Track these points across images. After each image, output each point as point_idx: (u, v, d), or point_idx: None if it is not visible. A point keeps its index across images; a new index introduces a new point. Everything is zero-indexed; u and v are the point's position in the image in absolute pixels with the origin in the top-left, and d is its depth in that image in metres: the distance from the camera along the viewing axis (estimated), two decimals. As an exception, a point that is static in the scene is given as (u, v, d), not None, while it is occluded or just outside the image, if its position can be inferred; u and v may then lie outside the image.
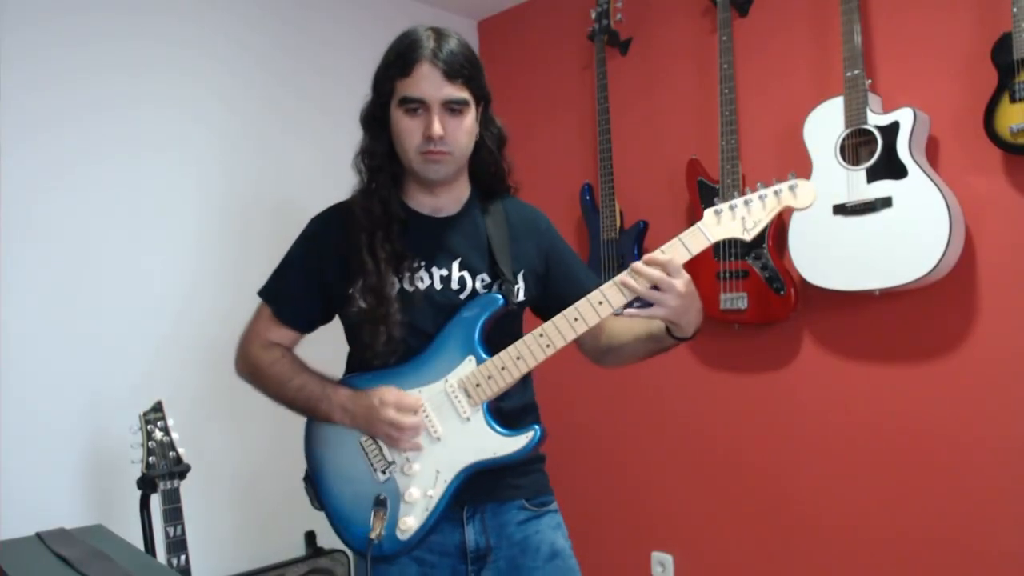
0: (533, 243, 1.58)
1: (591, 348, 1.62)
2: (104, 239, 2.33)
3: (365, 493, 1.46)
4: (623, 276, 1.37)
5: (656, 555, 2.84)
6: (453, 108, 1.42)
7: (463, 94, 1.42)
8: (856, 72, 2.16)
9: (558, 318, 1.41)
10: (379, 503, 1.43)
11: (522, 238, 1.57)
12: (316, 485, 1.52)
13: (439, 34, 1.44)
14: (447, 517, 1.46)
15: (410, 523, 1.43)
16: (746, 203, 1.36)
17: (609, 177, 2.78)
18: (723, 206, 1.36)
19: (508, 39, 3.34)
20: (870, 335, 2.35)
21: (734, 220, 1.36)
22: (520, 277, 1.54)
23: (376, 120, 1.48)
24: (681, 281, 1.35)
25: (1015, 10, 1.94)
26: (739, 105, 2.49)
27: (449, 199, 1.54)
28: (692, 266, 2.62)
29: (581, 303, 1.40)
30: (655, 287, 1.35)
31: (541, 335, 1.41)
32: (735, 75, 2.46)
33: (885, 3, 2.31)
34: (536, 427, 1.43)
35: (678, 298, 1.35)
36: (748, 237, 1.36)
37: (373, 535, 1.40)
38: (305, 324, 1.58)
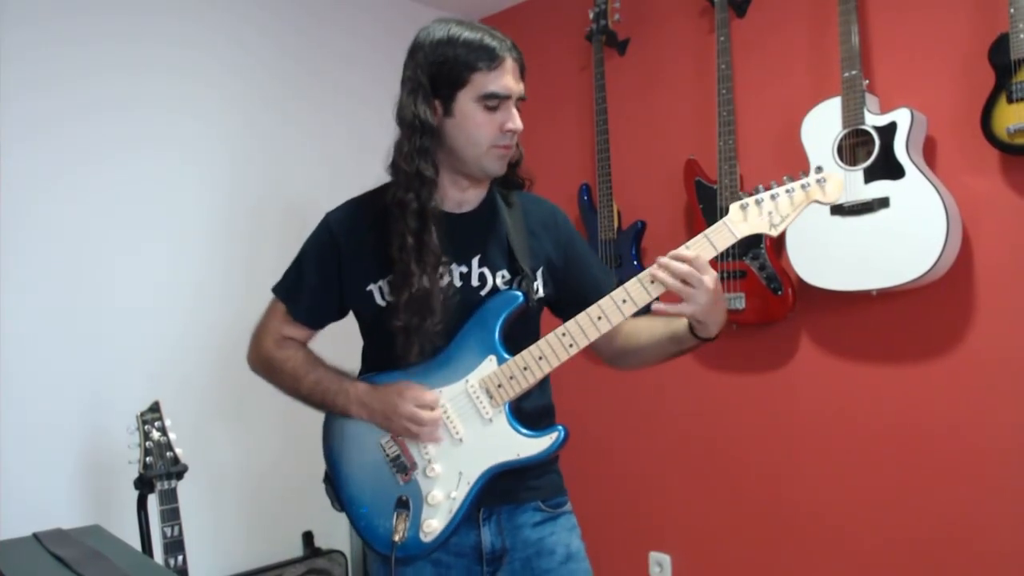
0: (551, 238, 1.56)
1: (606, 350, 1.58)
2: (104, 239, 2.34)
3: (387, 495, 1.44)
4: (648, 272, 1.34)
5: (654, 555, 2.84)
6: (519, 105, 1.44)
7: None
8: (854, 72, 2.17)
9: (581, 316, 1.38)
10: (401, 505, 1.42)
11: (540, 233, 1.55)
12: (336, 486, 1.51)
13: (493, 29, 1.43)
14: (463, 519, 1.45)
15: (434, 525, 1.42)
16: (772, 197, 1.31)
17: (607, 177, 2.78)
18: (748, 200, 1.32)
19: (506, 39, 3.34)
20: (867, 335, 2.36)
21: (760, 215, 1.31)
22: (539, 274, 1.52)
23: (430, 113, 1.40)
24: (709, 277, 1.31)
25: (1012, 11, 1.94)
26: (737, 105, 2.49)
27: (475, 193, 1.52)
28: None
29: (604, 301, 1.37)
30: (684, 282, 1.31)
31: (564, 334, 1.39)
32: (733, 75, 2.46)
33: (883, 4, 2.31)
34: (560, 428, 1.41)
35: (707, 294, 1.30)
36: (775, 233, 1.31)
37: (396, 537, 1.39)
38: (319, 321, 1.58)
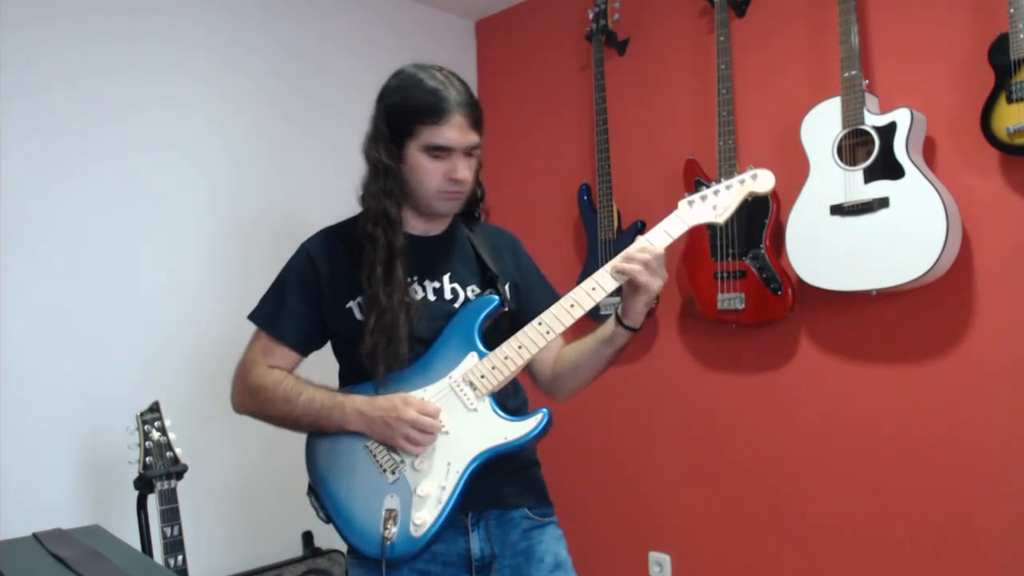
0: (512, 260, 1.67)
1: (543, 380, 1.66)
2: (103, 239, 2.33)
3: (375, 496, 1.45)
4: (615, 263, 1.46)
5: (653, 555, 2.84)
6: (471, 153, 1.52)
7: (479, 140, 1.52)
8: (853, 72, 2.17)
9: (555, 307, 1.48)
10: (390, 504, 1.43)
11: (503, 254, 1.66)
12: (321, 497, 1.51)
13: (456, 79, 1.50)
14: (451, 525, 1.46)
15: (424, 517, 1.42)
16: (715, 193, 1.50)
17: (607, 177, 2.78)
18: (695, 196, 1.51)
19: (506, 39, 3.34)
20: (867, 335, 2.36)
21: (704, 206, 1.50)
22: (507, 288, 1.60)
23: (389, 157, 1.51)
24: (663, 269, 1.47)
25: (1012, 11, 1.95)
26: (736, 105, 2.50)
27: (438, 222, 1.62)
28: (691, 265, 2.61)
29: (575, 290, 1.47)
30: (645, 267, 1.45)
31: (540, 323, 1.47)
32: (733, 75, 2.47)
33: (883, 3, 2.31)
34: (545, 410, 1.46)
35: (659, 280, 1.46)
36: (720, 221, 1.49)
37: (387, 534, 1.40)
38: (304, 342, 1.60)
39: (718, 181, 1.53)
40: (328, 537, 2.70)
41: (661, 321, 2.82)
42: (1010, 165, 2.10)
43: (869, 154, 2.15)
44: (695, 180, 2.56)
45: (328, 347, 1.64)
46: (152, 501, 1.92)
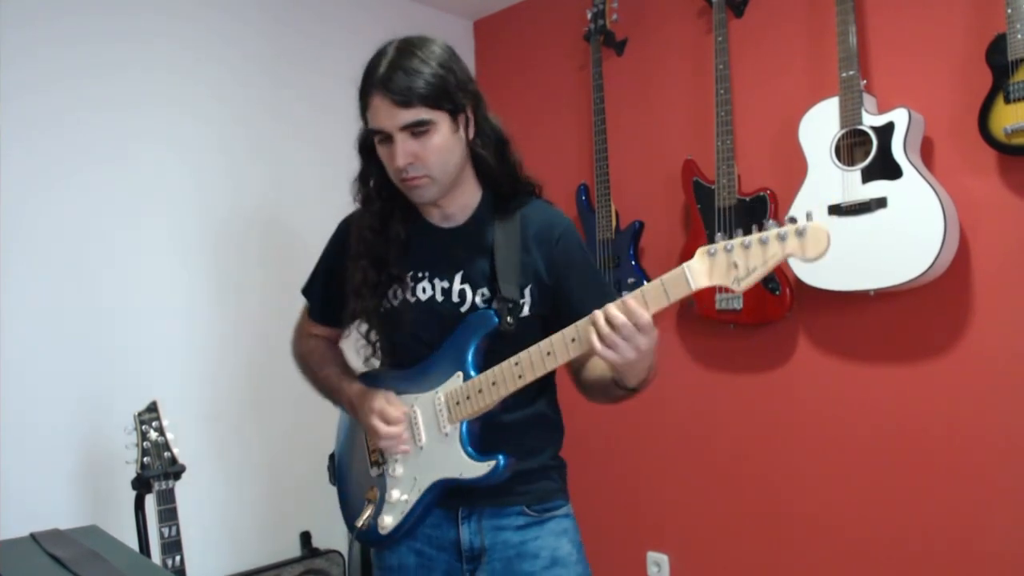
0: (543, 254, 1.48)
1: (577, 381, 1.59)
2: (102, 239, 2.33)
3: (361, 483, 1.56)
4: (593, 314, 1.28)
5: (652, 555, 2.84)
6: (415, 132, 1.36)
7: (421, 116, 1.34)
8: (851, 73, 2.17)
9: (533, 349, 1.35)
10: (370, 495, 1.52)
11: (533, 248, 1.48)
12: (334, 463, 1.64)
13: (399, 54, 1.36)
14: (442, 513, 1.50)
15: (388, 521, 1.50)
16: (744, 246, 1.18)
17: (605, 177, 2.78)
18: (717, 247, 1.20)
19: (504, 39, 3.34)
20: (865, 335, 2.36)
21: (728, 265, 1.19)
22: (527, 292, 1.46)
23: (368, 146, 1.47)
24: (646, 340, 1.26)
25: (1009, 11, 1.95)
26: (735, 105, 2.50)
27: (455, 208, 1.50)
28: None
29: (555, 337, 1.33)
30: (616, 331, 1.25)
31: (516, 363, 1.36)
32: (731, 75, 2.47)
33: (880, 4, 2.31)
34: (500, 457, 1.39)
35: (635, 351, 1.26)
36: (739, 289, 1.19)
37: (359, 523, 1.51)
38: (334, 320, 1.62)
39: (753, 229, 1.19)
40: (326, 537, 2.70)
41: (659, 321, 2.82)
42: (1008, 165, 2.10)
43: (867, 154, 2.15)
44: (693, 180, 2.56)
45: None
46: (150, 501, 1.91)
